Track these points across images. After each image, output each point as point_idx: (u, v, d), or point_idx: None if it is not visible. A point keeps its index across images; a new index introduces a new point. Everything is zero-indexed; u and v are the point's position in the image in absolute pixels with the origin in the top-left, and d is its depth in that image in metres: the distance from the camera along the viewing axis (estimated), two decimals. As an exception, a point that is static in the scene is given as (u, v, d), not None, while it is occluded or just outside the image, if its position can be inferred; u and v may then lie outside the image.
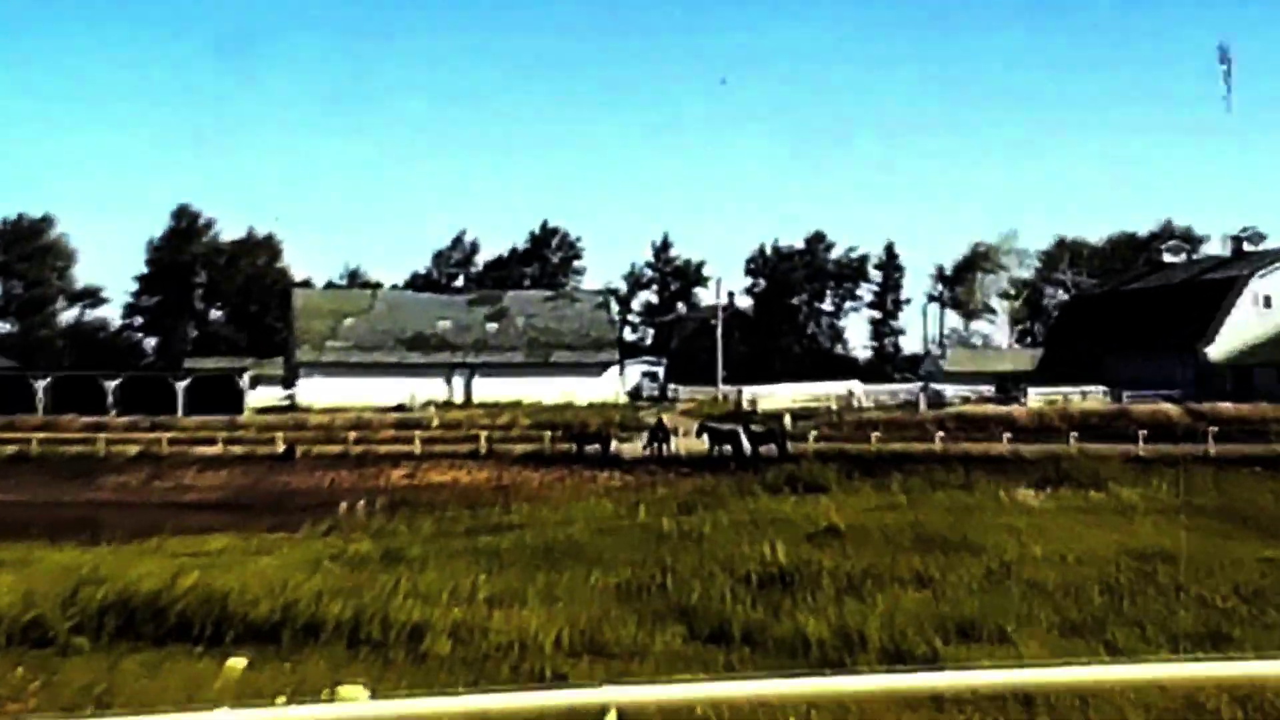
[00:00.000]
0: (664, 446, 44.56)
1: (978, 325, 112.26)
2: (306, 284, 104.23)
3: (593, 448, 45.13)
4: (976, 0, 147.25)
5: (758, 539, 14.71)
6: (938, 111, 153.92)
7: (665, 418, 52.25)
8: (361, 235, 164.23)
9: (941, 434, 45.30)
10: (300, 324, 77.62)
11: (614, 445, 45.28)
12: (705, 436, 43.60)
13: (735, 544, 14.87)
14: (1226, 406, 51.51)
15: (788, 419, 51.28)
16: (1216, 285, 69.24)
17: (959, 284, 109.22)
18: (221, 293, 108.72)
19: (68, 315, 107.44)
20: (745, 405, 62.50)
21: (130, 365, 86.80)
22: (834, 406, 59.80)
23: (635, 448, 45.29)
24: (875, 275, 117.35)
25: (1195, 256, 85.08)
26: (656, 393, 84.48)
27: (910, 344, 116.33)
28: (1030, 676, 4.95)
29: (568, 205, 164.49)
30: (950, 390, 64.97)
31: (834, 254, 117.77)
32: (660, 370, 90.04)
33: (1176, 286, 73.37)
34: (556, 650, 10.14)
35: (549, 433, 47.95)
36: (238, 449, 48.21)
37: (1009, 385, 65.63)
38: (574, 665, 9.76)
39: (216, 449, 48.22)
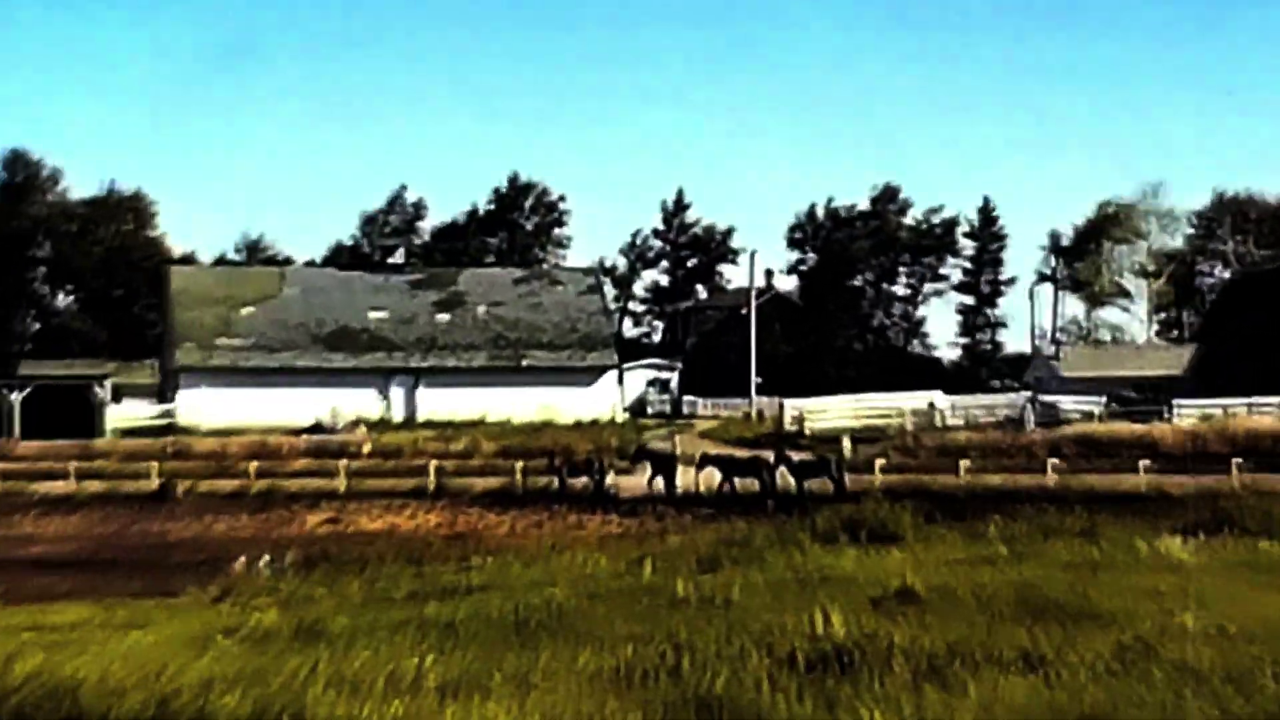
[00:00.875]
0: (659, 481, 45.08)
1: (1106, 314, 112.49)
2: (189, 260, 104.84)
3: (581, 482, 46.04)
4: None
5: (806, 606, 14.58)
6: (1052, 22, 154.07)
7: (678, 441, 53.78)
8: (265, 193, 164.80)
9: (1056, 461, 46.44)
10: (180, 314, 78.18)
11: (610, 479, 46.26)
12: (711, 470, 45.12)
13: (775, 612, 14.83)
14: None
15: (846, 443, 52.58)
16: None
17: (1081, 257, 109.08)
18: (72, 271, 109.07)
19: None
20: (789, 424, 63.71)
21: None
22: (909, 425, 60.88)
23: (640, 482, 46.49)
24: (967, 246, 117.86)
25: None
26: (667, 407, 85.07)
27: (1014, 340, 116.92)
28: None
29: (546, 152, 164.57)
30: (1068, 402, 66.07)
31: (910, 217, 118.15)
32: (673, 377, 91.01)
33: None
34: (533, 758, 9.62)
35: (521, 462, 49.18)
36: (95, 485, 48.90)
37: (1139, 394, 65.66)
38: (556, 778, 9.37)
39: (66, 485, 48.93)
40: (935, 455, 50.18)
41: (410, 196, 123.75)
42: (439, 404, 74.13)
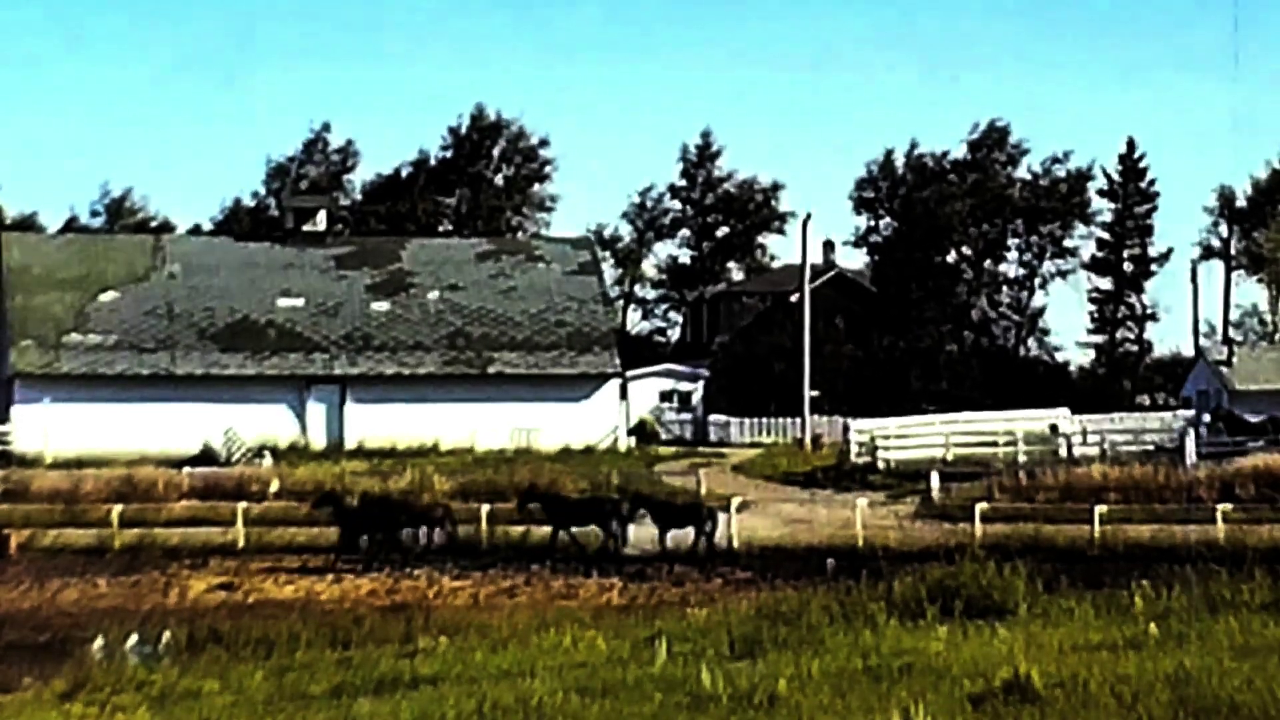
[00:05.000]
0: (615, 540, 43.24)
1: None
2: (27, 225, 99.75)
3: (568, 534, 43.46)
4: None
5: (880, 705, 14.07)
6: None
7: (703, 478, 51.60)
8: (131, 134, 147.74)
9: (1228, 508, 44.19)
10: (17, 301, 72.06)
11: (614, 528, 43.70)
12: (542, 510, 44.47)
13: (838, 715, 14.24)
14: None
15: (935, 479, 50.12)
16: None
17: (1261, 224, 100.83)
18: None
19: None
20: (856, 452, 59.96)
21: None
22: (1023, 455, 57.67)
23: (651, 532, 43.99)
24: (1103, 209, 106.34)
25: None
26: (689, 430, 79.86)
27: (1169, 339, 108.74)
28: None
29: (521, 80, 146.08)
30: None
31: (1025, 168, 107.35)
32: (695, 388, 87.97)
33: None
34: None
35: (487, 505, 46.83)
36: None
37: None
38: None
39: None
40: (1059, 498, 47.69)
41: (335, 139, 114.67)
42: (374, 425, 67.76)
